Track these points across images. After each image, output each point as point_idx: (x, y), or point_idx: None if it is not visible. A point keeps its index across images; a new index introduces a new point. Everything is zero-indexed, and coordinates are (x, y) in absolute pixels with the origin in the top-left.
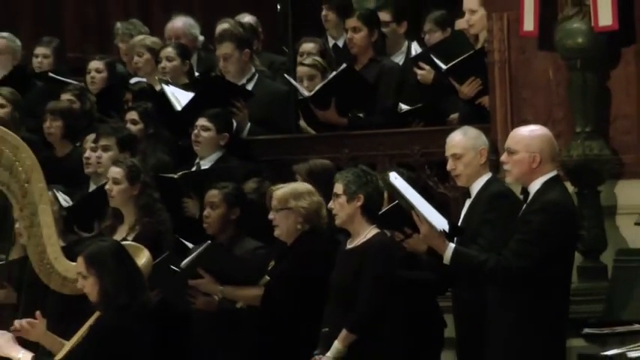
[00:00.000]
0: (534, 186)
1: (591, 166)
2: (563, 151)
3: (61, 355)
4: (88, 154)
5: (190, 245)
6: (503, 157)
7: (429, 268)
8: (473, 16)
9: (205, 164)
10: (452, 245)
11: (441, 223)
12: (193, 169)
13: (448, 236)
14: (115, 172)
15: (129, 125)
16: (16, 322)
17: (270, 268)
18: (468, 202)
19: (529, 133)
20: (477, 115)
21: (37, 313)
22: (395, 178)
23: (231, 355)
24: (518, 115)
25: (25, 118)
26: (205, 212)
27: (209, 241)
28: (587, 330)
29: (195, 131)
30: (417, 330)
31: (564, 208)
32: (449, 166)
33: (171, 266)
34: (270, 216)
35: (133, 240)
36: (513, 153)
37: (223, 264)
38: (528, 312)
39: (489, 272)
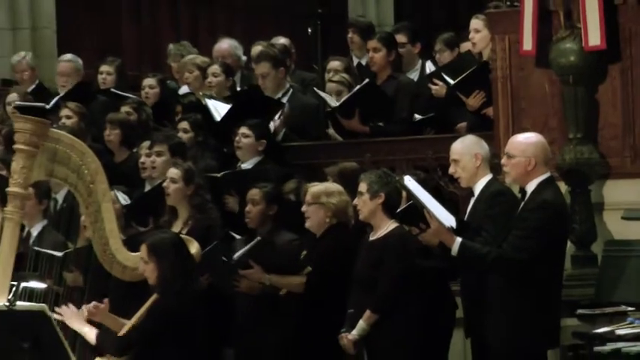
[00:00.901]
0: (530, 186)
1: (582, 168)
2: (558, 155)
3: (123, 331)
4: (143, 159)
5: (237, 236)
6: (503, 161)
7: (441, 258)
8: (477, 34)
9: (246, 167)
10: (459, 239)
11: (449, 220)
12: None
13: (456, 231)
14: (174, 172)
15: (180, 134)
16: (83, 307)
17: (302, 257)
18: (472, 200)
19: (525, 140)
20: (482, 124)
21: (105, 300)
22: (408, 181)
23: (270, 334)
24: (518, 123)
25: (89, 128)
26: (247, 208)
27: (258, 238)
28: (580, 311)
29: (237, 138)
30: (432, 311)
31: (557, 207)
32: (450, 170)
33: (222, 256)
34: (303, 208)
35: (186, 234)
36: (511, 157)
37: (270, 257)
38: (526, 296)
39: (491, 263)
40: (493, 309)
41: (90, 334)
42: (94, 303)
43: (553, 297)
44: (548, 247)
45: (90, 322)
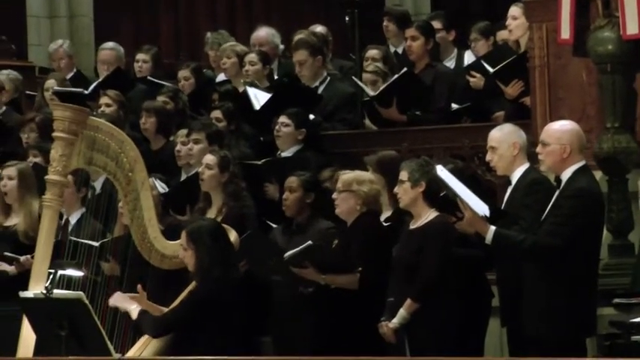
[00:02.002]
0: (566, 174)
1: (619, 157)
2: (595, 144)
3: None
4: (179, 147)
5: (274, 225)
6: (538, 149)
7: (479, 247)
8: (514, 22)
9: (286, 155)
10: (492, 227)
11: (482, 209)
12: None
13: (489, 220)
14: (209, 159)
15: (214, 122)
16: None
17: (334, 244)
18: (509, 189)
19: (560, 127)
20: (520, 113)
21: (139, 286)
22: (441, 171)
23: (307, 322)
24: (555, 112)
25: (128, 117)
26: (284, 195)
27: (310, 242)
28: (616, 300)
29: (277, 127)
30: (470, 299)
31: (592, 194)
32: (487, 157)
33: (259, 244)
34: (334, 196)
35: (220, 221)
36: (547, 145)
37: (322, 257)
38: (561, 285)
39: (525, 250)
40: (528, 298)
41: (134, 311)
42: (131, 295)
43: (588, 285)
44: (583, 235)
45: None
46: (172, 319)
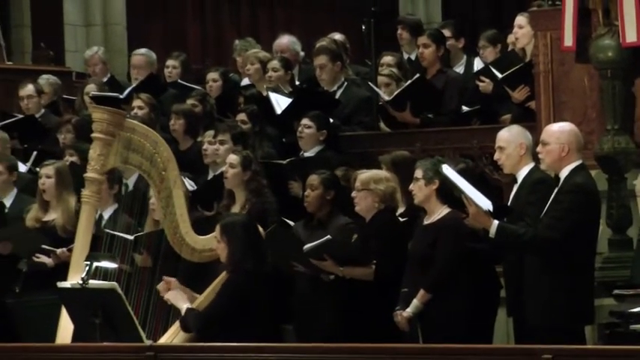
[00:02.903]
0: (564, 172)
1: (618, 157)
2: (596, 144)
3: (196, 303)
4: (206, 146)
5: (291, 223)
6: (539, 148)
7: (488, 241)
8: (520, 30)
9: (308, 155)
10: (496, 222)
11: (486, 204)
12: None
13: (492, 214)
14: (233, 158)
15: (239, 124)
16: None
17: (354, 239)
18: (515, 187)
19: (559, 128)
20: (526, 116)
21: (166, 278)
22: (446, 169)
23: (326, 311)
24: (559, 115)
25: (159, 118)
26: (306, 193)
27: (329, 236)
28: (616, 291)
29: (300, 128)
30: (479, 290)
31: (589, 190)
32: (495, 156)
33: (282, 238)
34: (353, 194)
35: None
36: (546, 144)
37: (340, 250)
38: (561, 276)
39: (526, 243)
40: (531, 289)
41: (183, 308)
42: (165, 278)
43: (586, 276)
44: (581, 228)
45: None
46: (212, 315)
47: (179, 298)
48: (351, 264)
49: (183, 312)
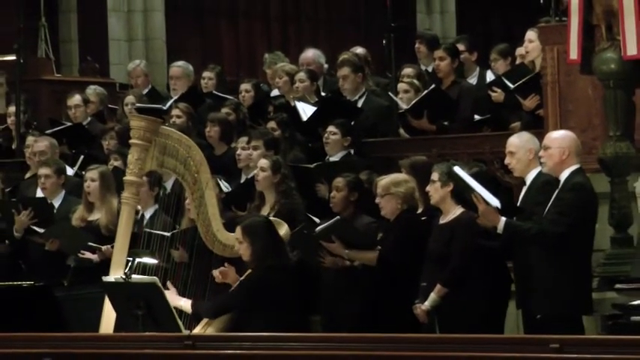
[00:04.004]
0: (564, 175)
1: (620, 161)
2: (600, 149)
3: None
4: (239, 151)
5: (317, 220)
6: (541, 152)
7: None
8: (530, 44)
9: (334, 159)
10: (503, 218)
11: (494, 202)
12: None
13: (501, 212)
14: (263, 162)
15: (270, 131)
16: (215, 272)
17: (379, 238)
18: (524, 189)
19: (560, 135)
20: (534, 123)
21: (226, 264)
22: (458, 170)
23: (350, 303)
24: (565, 123)
25: (196, 126)
26: (332, 194)
27: (338, 217)
28: (618, 285)
29: (326, 135)
30: (492, 284)
31: (588, 190)
32: (506, 161)
33: (308, 236)
34: (377, 200)
35: (274, 216)
36: (548, 148)
37: (348, 233)
38: (561, 271)
39: (532, 237)
40: (535, 283)
41: (186, 305)
42: (221, 268)
43: (585, 270)
44: (580, 224)
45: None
46: (229, 301)
47: (175, 299)
48: (356, 247)
49: (181, 307)
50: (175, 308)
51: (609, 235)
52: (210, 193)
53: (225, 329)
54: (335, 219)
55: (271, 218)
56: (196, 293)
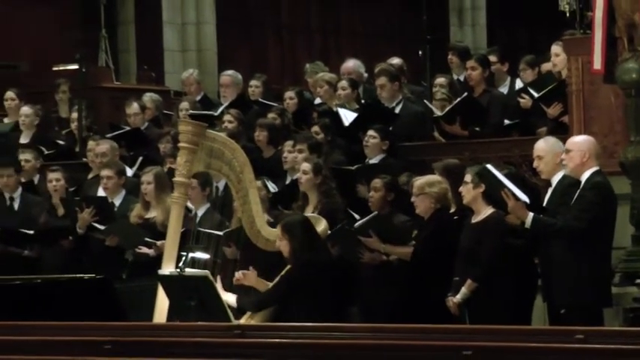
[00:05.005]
0: (585, 175)
1: None
2: (621, 154)
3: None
4: (285, 154)
5: (357, 217)
6: (563, 155)
7: (527, 237)
8: (557, 58)
9: (373, 162)
10: (531, 214)
11: (523, 197)
12: None
13: (528, 207)
14: (306, 166)
15: (314, 135)
16: (237, 274)
17: (414, 235)
18: (550, 190)
19: (580, 139)
20: (559, 129)
21: (251, 267)
22: (490, 167)
23: (386, 296)
24: (588, 128)
25: (246, 131)
26: (370, 194)
27: (376, 212)
28: (638, 280)
29: (366, 139)
30: (519, 279)
31: (607, 188)
32: (534, 164)
33: (348, 233)
34: (412, 199)
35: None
36: (570, 151)
37: (385, 229)
38: (583, 266)
39: (557, 231)
40: (559, 277)
41: (231, 299)
42: (244, 271)
43: (605, 264)
44: (601, 220)
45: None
46: (270, 296)
47: (222, 293)
48: (392, 242)
49: (232, 302)
50: None
51: (630, 233)
52: (253, 191)
53: (268, 320)
54: (372, 214)
55: (310, 215)
56: (242, 287)
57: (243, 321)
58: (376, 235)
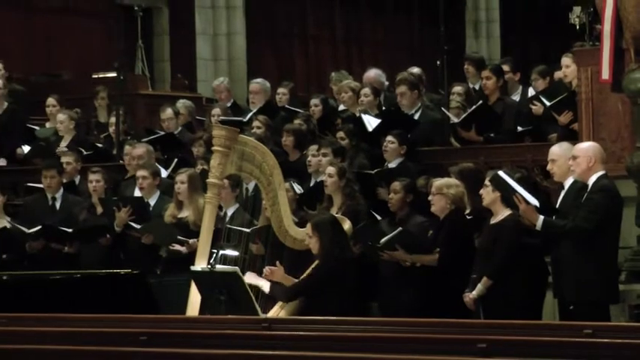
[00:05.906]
0: (592, 179)
1: None
2: (627, 158)
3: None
4: (310, 158)
5: (379, 217)
6: (570, 161)
7: (539, 236)
8: (567, 69)
9: (392, 166)
10: (541, 217)
11: (534, 202)
12: None
13: (539, 211)
14: (331, 169)
15: (339, 140)
16: (265, 269)
17: (429, 234)
18: (562, 193)
19: (586, 145)
20: (569, 136)
21: (277, 262)
22: (502, 173)
23: (406, 292)
24: (597, 134)
25: (273, 136)
26: (390, 196)
27: (400, 228)
28: None
29: (385, 144)
30: (531, 277)
31: (614, 191)
32: (548, 167)
33: (369, 233)
34: (430, 197)
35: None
36: (577, 157)
37: (409, 241)
38: (590, 264)
39: (567, 232)
40: (568, 274)
41: (265, 286)
42: (271, 267)
43: (612, 262)
44: (608, 221)
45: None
46: (301, 287)
47: (255, 279)
48: (418, 252)
49: (265, 288)
50: (251, 290)
51: (636, 234)
52: (282, 193)
53: (295, 313)
54: (397, 230)
55: (336, 215)
56: (270, 282)
57: (273, 312)
58: (402, 249)
